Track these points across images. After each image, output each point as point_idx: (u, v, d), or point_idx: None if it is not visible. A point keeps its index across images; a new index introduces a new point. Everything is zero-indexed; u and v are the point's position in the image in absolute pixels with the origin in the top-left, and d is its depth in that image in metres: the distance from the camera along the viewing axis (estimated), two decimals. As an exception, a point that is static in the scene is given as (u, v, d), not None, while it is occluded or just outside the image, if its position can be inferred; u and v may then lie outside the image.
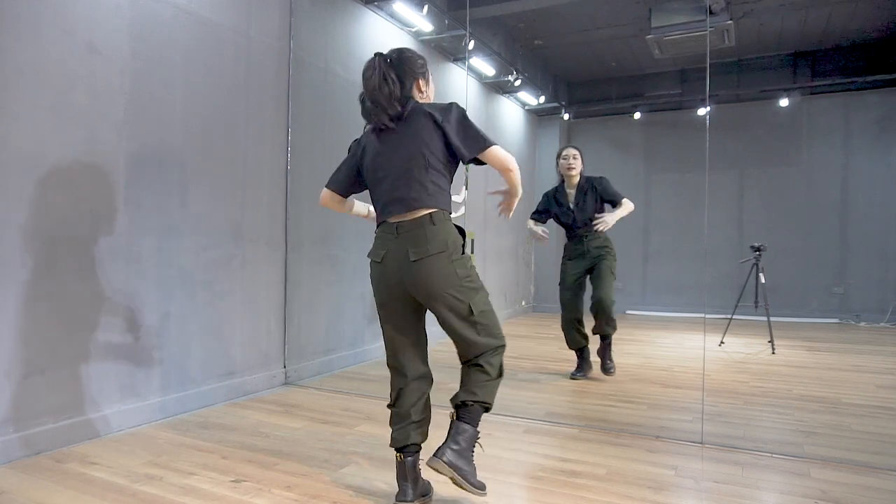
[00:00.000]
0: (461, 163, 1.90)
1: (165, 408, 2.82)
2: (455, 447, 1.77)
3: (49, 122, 2.33)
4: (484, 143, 1.82)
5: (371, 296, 4.38)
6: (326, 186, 2.08)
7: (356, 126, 4.62)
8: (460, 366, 1.92)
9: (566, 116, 6.67)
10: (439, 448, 1.77)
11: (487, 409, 1.87)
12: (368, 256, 1.93)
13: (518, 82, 5.96)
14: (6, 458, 2.20)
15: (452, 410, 1.86)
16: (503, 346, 1.90)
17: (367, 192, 2.04)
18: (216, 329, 3.11)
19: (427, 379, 1.94)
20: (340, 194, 2.06)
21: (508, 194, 2.05)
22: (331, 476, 2.13)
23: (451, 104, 1.85)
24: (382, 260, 1.84)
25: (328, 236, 3.95)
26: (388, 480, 2.09)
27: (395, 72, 1.84)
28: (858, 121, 6.26)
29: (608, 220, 3.66)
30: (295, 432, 2.64)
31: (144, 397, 2.73)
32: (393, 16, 4.51)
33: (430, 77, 1.99)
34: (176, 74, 2.86)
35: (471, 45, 4.96)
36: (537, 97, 6.50)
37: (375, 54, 1.86)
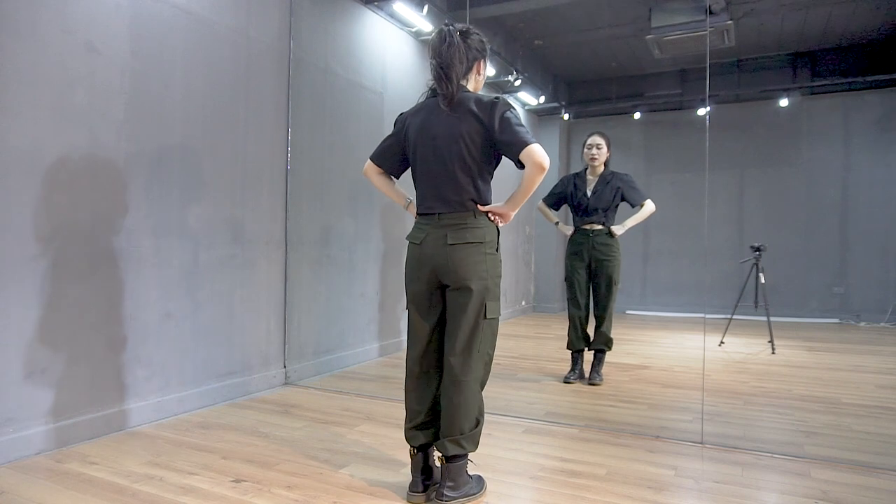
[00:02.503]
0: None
1: (165, 408, 2.82)
2: (451, 484, 1.88)
3: (49, 121, 2.33)
4: (522, 142, 1.77)
5: (373, 295, 4.38)
6: (370, 157, 2.10)
7: (356, 126, 4.63)
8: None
9: (566, 116, 6.67)
10: (437, 490, 1.88)
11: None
12: (407, 238, 1.98)
13: (518, 82, 5.95)
14: (6, 458, 2.20)
15: (439, 456, 1.91)
16: (480, 381, 1.92)
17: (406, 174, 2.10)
18: (216, 329, 3.11)
19: (438, 376, 1.97)
20: (378, 165, 2.08)
21: (512, 199, 1.93)
22: (331, 476, 2.13)
23: (495, 101, 1.82)
24: (421, 242, 1.90)
25: (328, 236, 3.95)
26: (388, 480, 2.09)
27: (464, 44, 1.88)
28: (858, 121, 6.26)
29: (627, 224, 3.61)
30: (295, 432, 2.64)
31: (144, 397, 2.73)
32: (393, 16, 4.51)
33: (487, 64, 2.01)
34: (176, 74, 2.86)
35: (471, 45, 4.95)
36: (537, 97, 6.49)
37: (445, 23, 1.90)
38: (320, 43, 3.87)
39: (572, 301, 3.75)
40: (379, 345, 4.45)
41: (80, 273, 2.45)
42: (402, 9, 4.37)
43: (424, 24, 4.68)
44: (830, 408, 3.15)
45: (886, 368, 4.19)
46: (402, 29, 4.68)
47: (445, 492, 1.86)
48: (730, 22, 4.79)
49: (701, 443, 2.55)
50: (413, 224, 2.03)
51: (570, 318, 3.77)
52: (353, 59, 4.14)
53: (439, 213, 1.88)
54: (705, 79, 3.87)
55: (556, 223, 3.85)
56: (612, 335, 3.72)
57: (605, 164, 3.70)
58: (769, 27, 5.47)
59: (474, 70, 1.94)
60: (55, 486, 2.01)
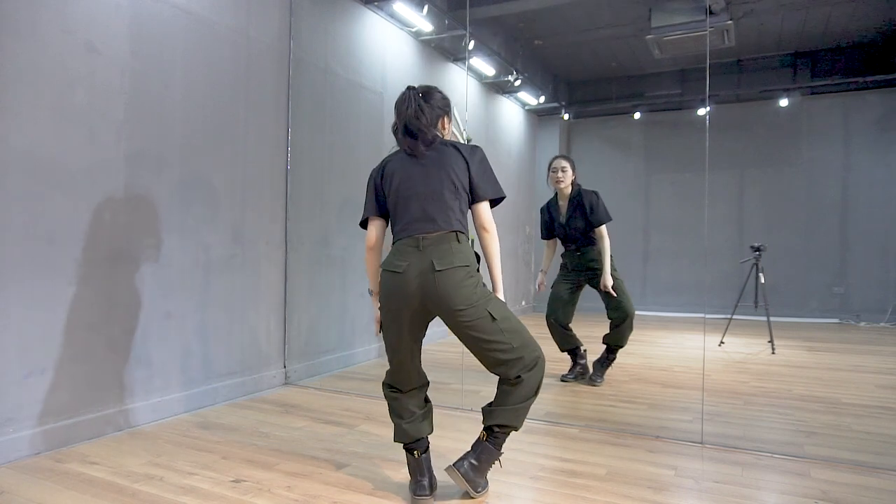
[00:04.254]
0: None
1: (166, 408, 2.82)
2: (474, 462, 1.91)
3: (49, 121, 2.33)
4: (490, 192, 1.94)
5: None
6: (367, 216, 2.04)
7: (356, 126, 4.63)
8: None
9: (566, 116, 6.66)
10: (460, 459, 1.91)
11: (516, 430, 1.97)
12: (383, 267, 1.95)
13: (518, 82, 5.95)
14: (6, 458, 2.20)
15: (483, 431, 1.95)
16: (540, 358, 1.91)
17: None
18: (216, 329, 3.11)
19: (424, 386, 2.04)
20: (383, 217, 2.04)
21: (494, 280, 1.99)
22: (331, 476, 2.13)
23: (476, 146, 1.99)
24: (404, 271, 1.86)
25: (328, 236, 3.95)
26: (388, 480, 2.09)
27: (427, 104, 1.96)
28: (858, 121, 6.26)
29: (606, 279, 3.52)
30: (295, 432, 2.64)
31: (145, 397, 2.73)
32: (393, 16, 4.51)
33: (451, 118, 2.10)
34: (176, 74, 2.86)
35: (471, 45, 4.96)
36: (537, 97, 6.49)
37: (408, 88, 1.97)
38: (320, 43, 3.87)
39: (549, 305, 3.73)
40: (379, 345, 4.45)
41: (80, 273, 2.45)
42: (402, 9, 4.37)
43: (424, 24, 4.68)
44: (830, 408, 3.15)
45: (886, 368, 4.19)
46: (402, 29, 4.68)
47: (466, 464, 1.88)
48: (730, 22, 4.79)
49: (701, 443, 2.55)
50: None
51: (549, 323, 3.72)
52: (353, 59, 4.14)
53: (423, 237, 1.86)
54: (705, 79, 3.86)
55: (542, 271, 3.81)
56: (602, 332, 3.66)
57: (572, 184, 3.67)
58: (769, 27, 5.47)
59: (439, 126, 2.02)
60: (55, 486, 2.01)
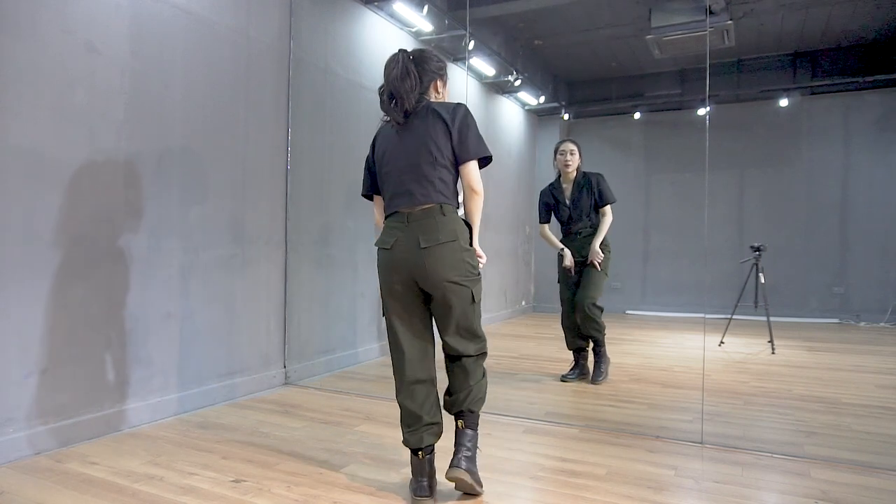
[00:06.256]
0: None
1: (165, 408, 2.82)
2: (468, 454, 1.90)
3: (49, 122, 2.33)
4: (472, 153, 1.88)
5: (373, 295, 4.38)
6: (364, 193, 2.12)
7: (356, 126, 4.63)
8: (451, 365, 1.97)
9: (566, 116, 6.66)
10: (455, 458, 1.88)
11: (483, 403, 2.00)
12: (376, 245, 1.96)
13: (518, 82, 5.95)
14: (6, 458, 2.20)
15: (460, 421, 1.95)
16: (486, 344, 1.99)
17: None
18: (216, 329, 3.11)
19: (432, 382, 1.99)
20: (376, 194, 2.09)
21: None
22: (331, 476, 2.13)
23: (459, 104, 1.91)
24: (392, 247, 1.88)
25: (328, 236, 3.95)
26: (388, 480, 2.09)
27: (416, 68, 1.92)
28: (858, 121, 6.26)
29: (595, 250, 3.59)
30: (295, 432, 2.64)
31: (144, 397, 2.73)
32: (393, 16, 4.51)
33: (447, 80, 2.06)
34: (176, 74, 2.86)
35: (471, 45, 4.96)
36: (537, 97, 6.50)
37: (399, 50, 1.93)
38: (320, 43, 3.87)
39: (562, 301, 3.78)
40: (379, 345, 4.45)
41: (79, 273, 2.45)
42: (402, 9, 4.37)
43: (424, 24, 4.68)
44: (830, 408, 3.15)
45: (886, 368, 4.19)
46: (402, 29, 4.68)
47: (463, 461, 1.87)
48: (730, 22, 4.79)
49: (701, 443, 2.55)
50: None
51: (564, 319, 3.79)
52: (353, 59, 4.14)
53: (409, 213, 1.86)
54: (705, 79, 3.86)
55: (562, 249, 3.76)
56: (607, 331, 3.68)
57: (577, 168, 3.71)
58: (769, 27, 5.47)
59: (431, 89, 2.00)
60: (55, 486, 2.01)
